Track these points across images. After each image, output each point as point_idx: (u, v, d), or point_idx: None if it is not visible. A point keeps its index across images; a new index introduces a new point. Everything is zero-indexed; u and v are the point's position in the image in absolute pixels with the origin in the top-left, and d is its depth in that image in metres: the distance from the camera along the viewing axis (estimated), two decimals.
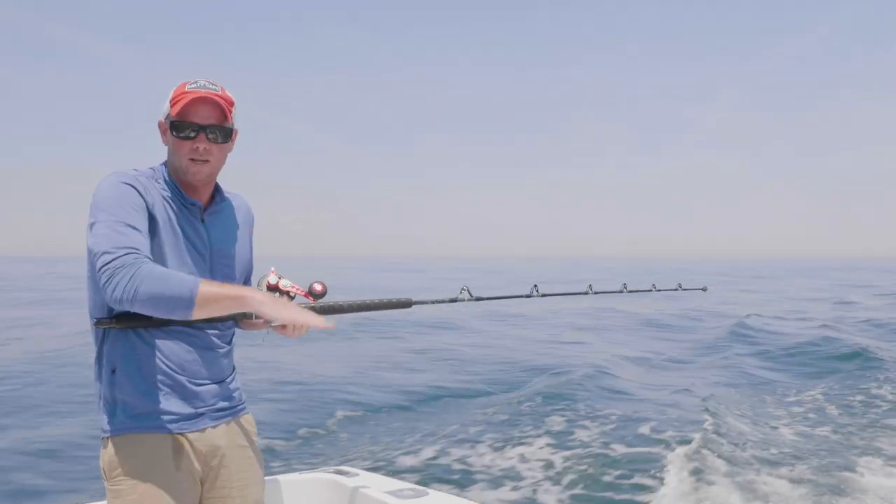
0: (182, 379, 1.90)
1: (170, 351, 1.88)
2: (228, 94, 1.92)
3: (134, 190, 1.82)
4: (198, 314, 1.69)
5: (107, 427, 1.87)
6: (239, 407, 2.08)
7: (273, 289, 1.92)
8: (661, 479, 5.53)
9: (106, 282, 1.68)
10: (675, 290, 3.40)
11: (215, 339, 1.99)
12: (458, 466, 5.91)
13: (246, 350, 2.20)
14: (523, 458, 6.11)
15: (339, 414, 7.82)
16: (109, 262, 1.68)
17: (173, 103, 1.88)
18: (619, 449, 6.35)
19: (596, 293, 2.89)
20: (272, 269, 1.96)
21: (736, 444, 6.45)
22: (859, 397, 9.02)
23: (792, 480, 5.51)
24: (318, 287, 1.98)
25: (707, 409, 7.75)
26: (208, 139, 1.88)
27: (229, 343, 2.06)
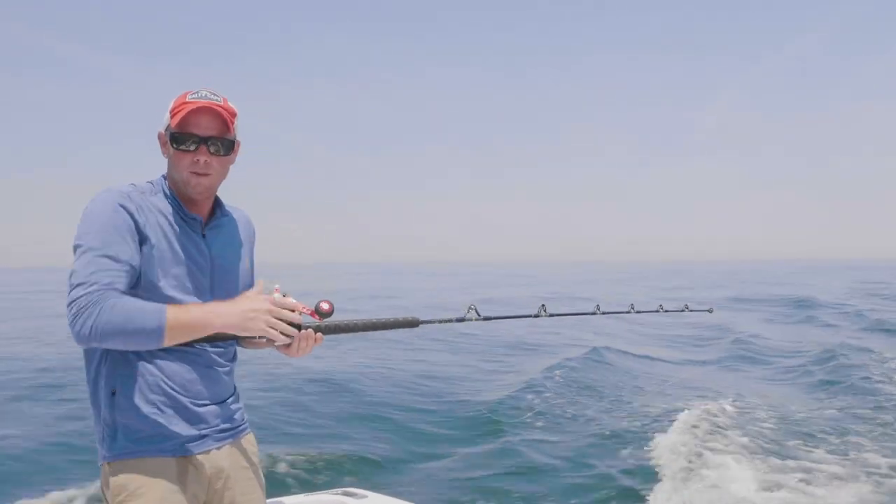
0: (184, 400, 1.84)
1: (171, 371, 1.82)
2: (231, 104, 1.87)
3: (124, 211, 1.76)
4: (170, 343, 1.69)
5: (107, 452, 1.81)
6: (241, 427, 2.03)
7: None
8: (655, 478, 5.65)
9: (73, 319, 1.64)
10: (682, 311, 3.41)
11: (217, 358, 1.94)
12: (465, 485, 5.84)
13: (245, 367, 2.13)
14: (534, 475, 6.07)
15: (346, 433, 7.69)
16: (77, 299, 1.64)
17: (173, 114, 1.83)
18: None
19: (604, 313, 2.84)
20: (276, 286, 1.90)
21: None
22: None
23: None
24: (324, 306, 1.91)
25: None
26: (209, 151, 1.83)
27: (231, 361, 2.01)
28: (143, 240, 1.77)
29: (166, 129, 1.85)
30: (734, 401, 8.99)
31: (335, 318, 1.97)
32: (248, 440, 2.06)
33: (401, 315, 2.13)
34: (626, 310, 2.98)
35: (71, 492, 5.41)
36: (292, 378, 10.51)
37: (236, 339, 1.96)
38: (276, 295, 1.87)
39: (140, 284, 1.76)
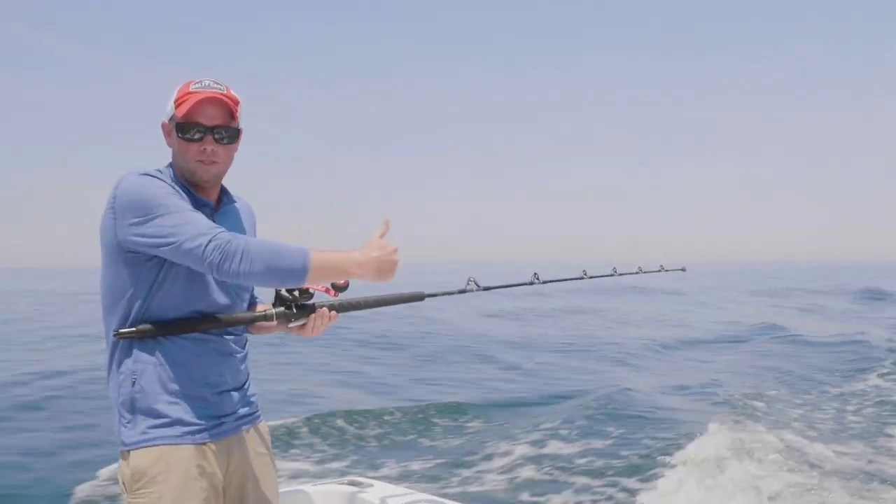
0: (204, 388, 1.86)
1: (191, 359, 1.84)
2: (233, 93, 1.88)
3: (167, 185, 1.80)
4: (310, 283, 1.82)
5: (127, 440, 1.82)
6: (256, 413, 2.06)
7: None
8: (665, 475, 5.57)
9: (221, 260, 1.67)
10: (658, 271, 3.67)
11: (233, 345, 1.95)
12: (475, 475, 5.77)
13: (255, 355, 2.17)
14: (542, 466, 5.96)
15: (352, 423, 7.54)
16: (212, 242, 1.68)
17: (178, 104, 1.83)
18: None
19: (591, 277, 3.10)
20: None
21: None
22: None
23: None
24: (340, 280, 1.94)
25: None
26: (215, 140, 1.84)
27: (244, 348, 2.03)
28: None
29: (171, 119, 1.86)
30: None
31: (345, 296, 2.02)
32: (262, 427, 2.09)
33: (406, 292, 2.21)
34: (610, 273, 3.25)
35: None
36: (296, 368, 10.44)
37: (245, 326, 1.99)
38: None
39: (166, 262, 1.78)
